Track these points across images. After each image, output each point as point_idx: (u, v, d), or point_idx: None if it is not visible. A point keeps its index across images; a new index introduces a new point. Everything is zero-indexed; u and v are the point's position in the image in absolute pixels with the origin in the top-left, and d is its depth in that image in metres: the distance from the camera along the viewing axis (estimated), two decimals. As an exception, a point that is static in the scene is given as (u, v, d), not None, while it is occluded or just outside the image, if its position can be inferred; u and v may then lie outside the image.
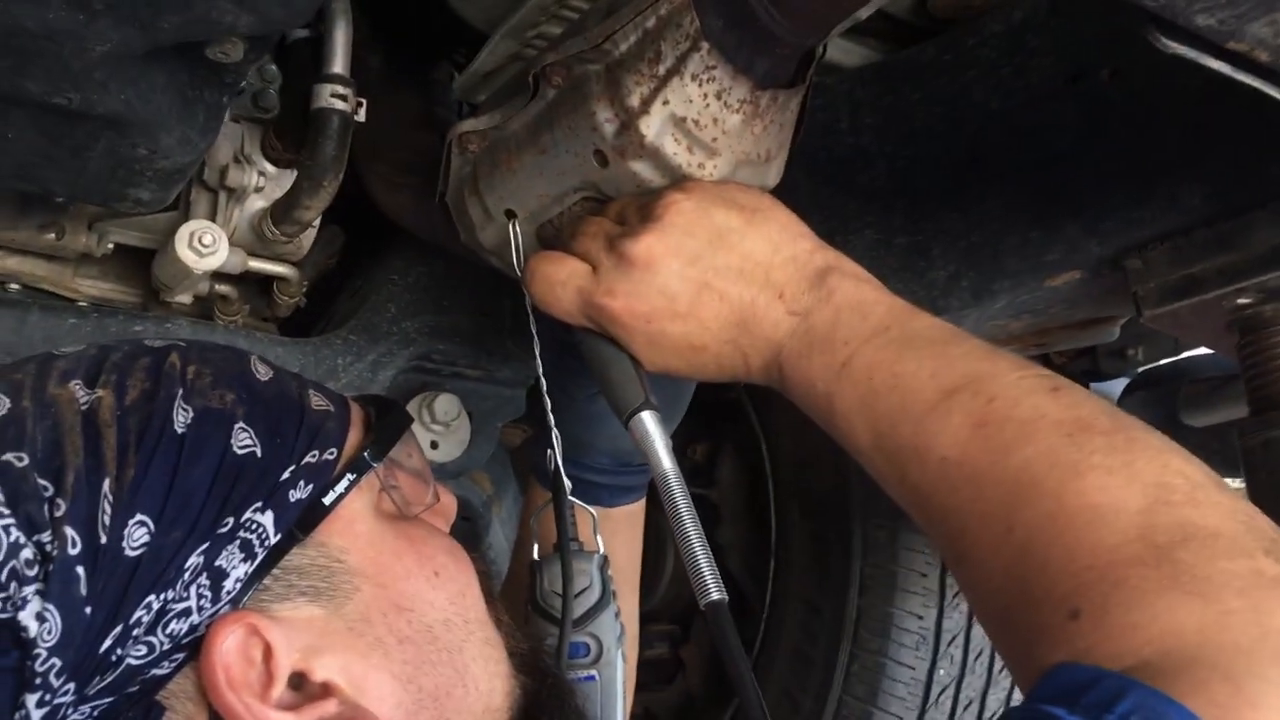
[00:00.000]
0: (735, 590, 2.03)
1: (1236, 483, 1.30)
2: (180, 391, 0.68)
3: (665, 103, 0.82)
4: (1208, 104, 0.95)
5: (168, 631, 0.63)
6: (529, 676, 0.79)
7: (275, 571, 0.67)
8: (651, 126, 0.83)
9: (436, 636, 0.72)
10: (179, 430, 0.66)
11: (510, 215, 0.96)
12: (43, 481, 0.62)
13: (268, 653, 0.64)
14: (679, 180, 0.86)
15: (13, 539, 0.60)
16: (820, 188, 1.23)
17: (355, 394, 0.84)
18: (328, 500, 0.70)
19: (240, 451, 0.67)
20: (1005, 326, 1.23)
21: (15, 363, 0.71)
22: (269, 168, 1.26)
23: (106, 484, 0.63)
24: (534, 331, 0.96)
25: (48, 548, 0.60)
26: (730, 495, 2.12)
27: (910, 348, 0.76)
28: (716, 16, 0.80)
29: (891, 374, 0.76)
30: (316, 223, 1.28)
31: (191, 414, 0.67)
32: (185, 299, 1.35)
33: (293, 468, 0.69)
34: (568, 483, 0.96)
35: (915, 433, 0.73)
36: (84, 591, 0.60)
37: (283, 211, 1.23)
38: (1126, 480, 0.65)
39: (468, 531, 1.71)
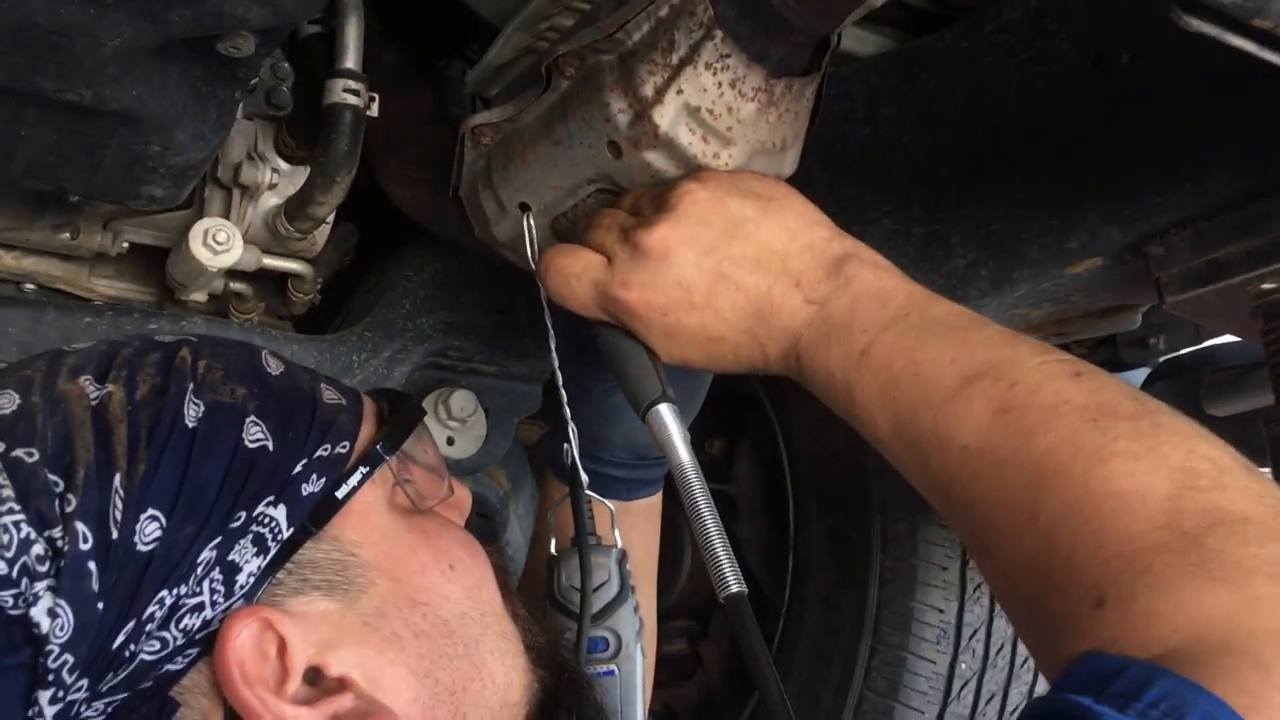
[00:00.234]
0: (754, 586, 2.02)
1: (1264, 472, 1.28)
2: (191, 386, 0.68)
3: (679, 92, 0.81)
4: (1231, 85, 0.93)
5: (181, 627, 0.62)
6: (547, 670, 0.78)
7: (289, 566, 0.66)
8: (665, 116, 0.82)
9: (452, 630, 0.71)
10: (190, 425, 0.66)
11: (524, 208, 0.96)
12: (53, 477, 0.61)
13: (282, 647, 0.64)
14: (694, 170, 0.85)
15: (23, 535, 0.59)
16: (837, 178, 1.22)
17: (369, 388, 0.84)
18: (340, 494, 0.69)
19: (252, 445, 0.67)
20: (1025, 315, 1.22)
21: (25, 359, 0.71)
22: (282, 164, 1.26)
23: (117, 479, 0.62)
24: (549, 325, 0.95)
25: (59, 543, 0.60)
26: (748, 490, 2.11)
27: (930, 334, 0.75)
28: (730, 4, 0.79)
29: (911, 361, 0.75)
30: (330, 219, 1.28)
31: (203, 408, 0.67)
32: (200, 297, 1.35)
33: (305, 461, 0.69)
34: (585, 477, 0.95)
35: (936, 421, 0.72)
36: (96, 587, 0.60)
37: (297, 208, 1.23)
38: (1152, 466, 0.63)
39: (484, 528, 1.70)
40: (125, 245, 1.30)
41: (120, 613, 0.60)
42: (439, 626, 0.71)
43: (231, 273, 1.30)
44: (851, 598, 1.84)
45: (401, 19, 1.30)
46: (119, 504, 0.61)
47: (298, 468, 0.68)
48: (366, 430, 0.75)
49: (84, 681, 0.60)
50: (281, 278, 1.37)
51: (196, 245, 1.19)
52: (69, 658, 0.59)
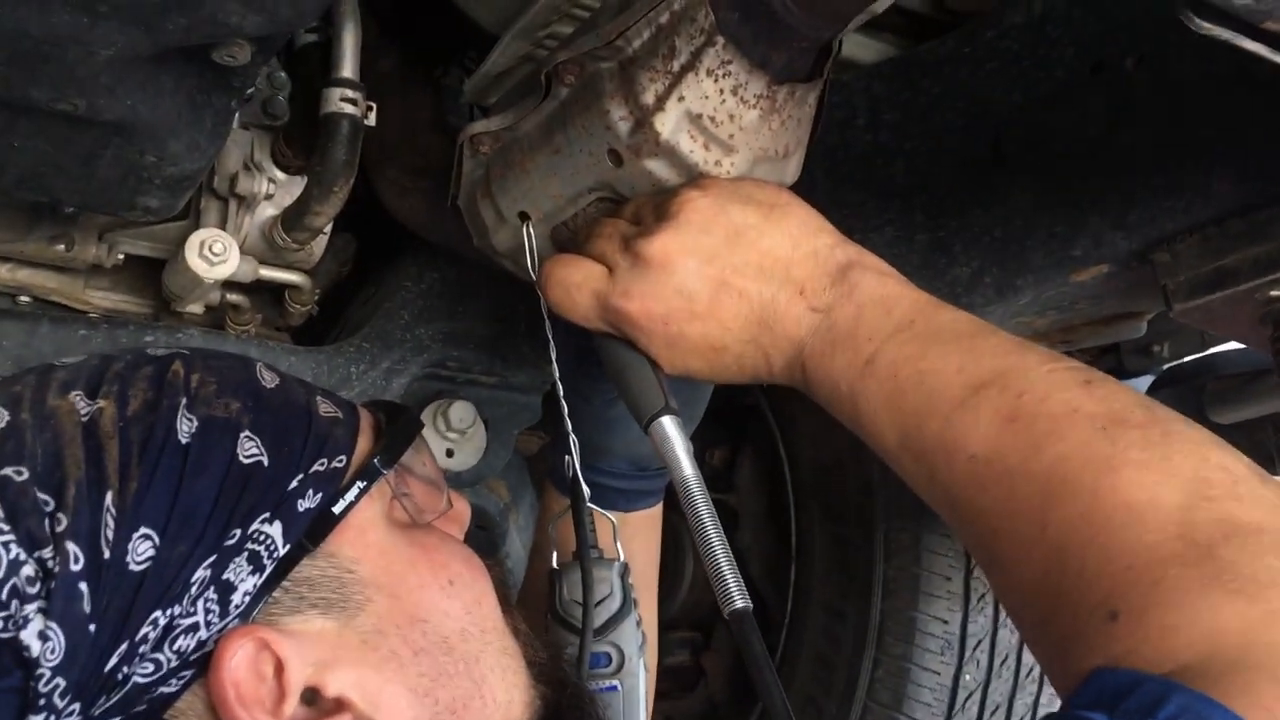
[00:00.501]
0: (756, 596, 2.00)
1: (1277, 480, 1.27)
2: (184, 400, 0.67)
3: (680, 99, 0.80)
4: (1237, 89, 0.92)
5: (175, 648, 0.61)
6: (548, 686, 0.77)
7: (285, 584, 0.65)
8: (667, 124, 0.81)
9: (452, 647, 0.70)
10: (183, 440, 0.65)
11: (524, 217, 0.95)
12: (43, 496, 0.60)
13: (279, 668, 0.63)
14: (695, 178, 0.84)
15: (13, 556, 0.58)
16: (839, 185, 1.21)
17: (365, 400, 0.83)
18: (337, 509, 0.68)
19: (246, 461, 0.66)
20: (1030, 323, 1.21)
21: (15, 375, 0.69)
22: (279, 174, 1.25)
23: (109, 497, 0.61)
24: (550, 336, 0.94)
25: (49, 564, 0.59)
26: (750, 500, 2.10)
27: (936, 342, 0.74)
28: (731, 10, 0.78)
29: (917, 370, 0.73)
30: (328, 229, 1.27)
31: (196, 423, 0.66)
32: (197, 309, 1.34)
33: (301, 476, 0.68)
34: (586, 489, 0.94)
35: (943, 430, 0.71)
36: (88, 609, 0.59)
37: (294, 218, 1.22)
38: (1164, 475, 0.62)
39: (484, 540, 1.69)
40: (121, 257, 1.28)
41: (113, 634, 0.59)
42: (439, 644, 0.69)
43: (228, 284, 1.29)
44: (854, 608, 1.83)
45: (399, 26, 1.29)
46: (111, 523, 0.60)
47: (293, 483, 0.67)
48: (363, 444, 0.74)
49: (76, 705, 0.58)
50: (279, 289, 1.36)
51: (192, 257, 1.17)
52: (60, 681, 0.58)
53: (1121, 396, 0.68)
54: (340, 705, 0.64)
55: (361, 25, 1.15)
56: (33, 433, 0.63)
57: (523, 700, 0.74)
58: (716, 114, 0.81)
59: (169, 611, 0.61)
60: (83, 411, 0.64)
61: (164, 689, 0.61)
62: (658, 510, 1.11)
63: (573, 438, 0.93)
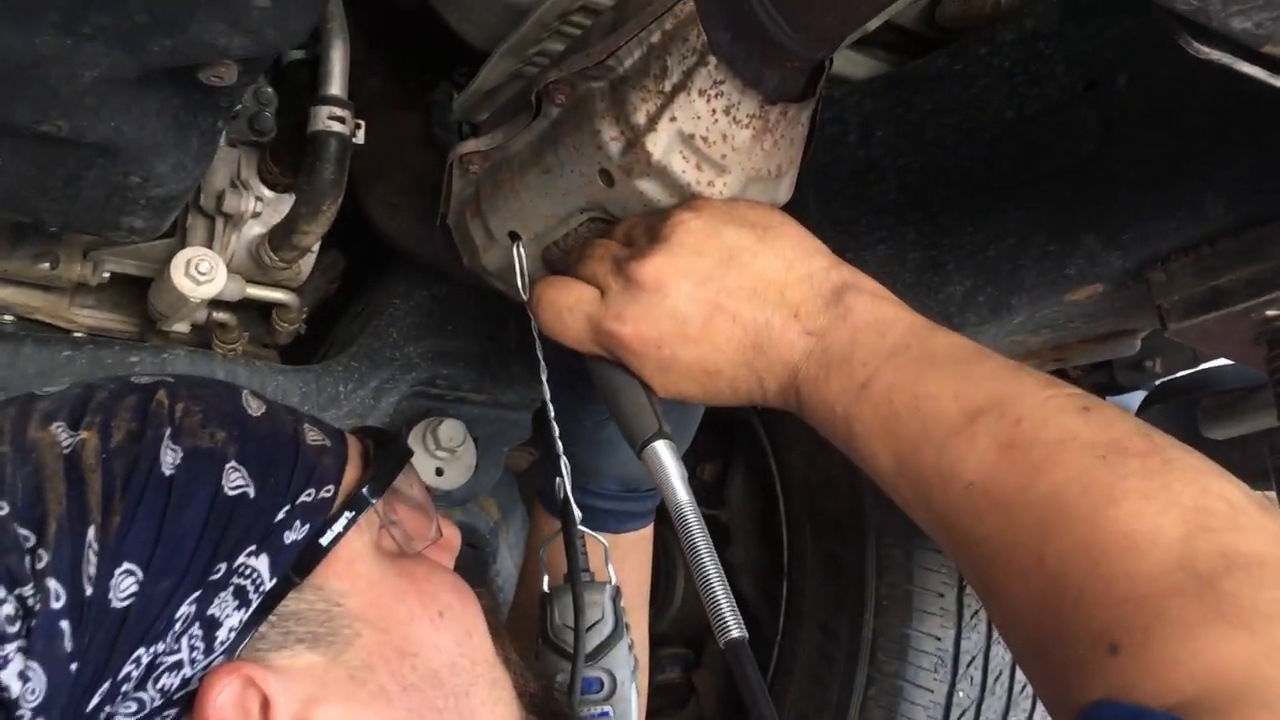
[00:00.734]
0: (748, 613, 1.99)
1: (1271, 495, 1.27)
2: (168, 431, 0.65)
3: (672, 119, 0.79)
4: (1230, 109, 0.92)
5: (159, 686, 0.60)
6: (539, 717, 0.76)
7: (271, 618, 0.64)
8: (659, 144, 0.80)
9: (443, 682, 0.69)
10: (167, 472, 0.63)
11: (514, 237, 0.94)
12: (23, 531, 0.59)
13: (265, 705, 0.61)
14: (688, 199, 0.83)
15: None
16: (830, 202, 1.20)
17: (353, 426, 0.82)
18: (325, 541, 0.67)
19: (232, 493, 0.64)
20: (1024, 342, 1.20)
21: None
22: (266, 192, 1.24)
23: (91, 532, 0.60)
24: (540, 357, 0.93)
25: (30, 602, 0.57)
26: (741, 515, 2.09)
27: (932, 367, 0.73)
28: (723, 30, 0.78)
29: (912, 395, 0.72)
30: (316, 247, 1.26)
31: (180, 454, 0.64)
32: (183, 328, 1.33)
33: (288, 508, 0.66)
34: (578, 512, 0.93)
35: (939, 457, 0.70)
36: (69, 647, 0.57)
37: (281, 237, 1.21)
38: (1164, 505, 0.61)
39: (474, 559, 1.68)
40: (106, 275, 1.27)
41: (95, 673, 0.58)
42: (428, 678, 0.68)
43: (215, 303, 1.28)
44: (847, 625, 1.82)
45: (387, 42, 1.28)
46: (93, 558, 0.59)
47: (280, 514, 0.66)
48: (352, 472, 0.72)
49: (57, 747, 0.57)
50: (266, 307, 1.35)
51: (179, 275, 1.16)
52: None
53: (1120, 424, 0.67)
54: (328, 742, 0.63)
55: (350, 42, 1.14)
56: (13, 466, 0.62)
57: None
58: (709, 134, 0.80)
59: (152, 649, 0.60)
60: (65, 443, 0.63)
61: (148, 728, 0.60)
62: (648, 531, 1.10)
63: (564, 460, 0.92)
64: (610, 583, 0.94)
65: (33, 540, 0.59)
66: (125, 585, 0.59)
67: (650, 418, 0.82)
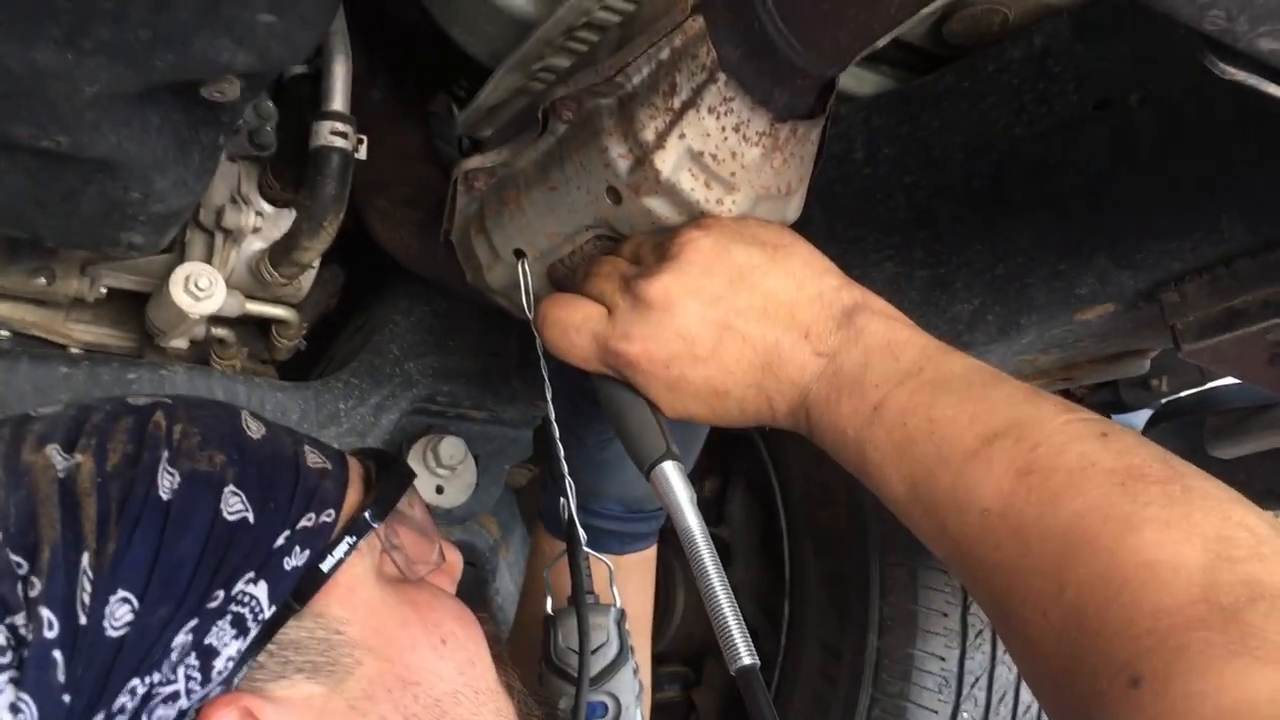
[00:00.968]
0: (750, 632, 1.98)
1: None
2: (166, 454, 0.64)
3: (681, 136, 0.78)
4: (1246, 128, 0.90)
5: (155, 718, 0.58)
6: (543, 745, 0.74)
7: (270, 647, 0.62)
8: (667, 162, 0.79)
9: (445, 711, 0.67)
10: (164, 497, 0.62)
11: (519, 255, 0.93)
12: (16, 558, 0.57)
13: (264, 737, 0.59)
14: (696, 217, 0.82)
15: None
16: (836, 220, 1.19)
17: (353, 445, 0.80)
18: (326, 567, 0.65)
19: (231, 518, 0.63)
20: (1033, 361, 1.19)
21: None
22: (267, 208, 1.23)
23: (85, 559, 0.58)
24: (545, 377, 0.91)
25: (22, 631, 0.56)
26: (742, 533, 2.08)
27: (946, 391, 0.72)
28: (733, 47, 0.76)
29: (927, 419, 0.71)
30: (316, 263, 1.24)
31: (178, 479, 0.63)
32: (181, 344, 1.31)
33: (288, 533, 0.65)
34: (582, 533, 0.91)
35: (954, 483, 0.69)
36: (62, 678, 0.56)
37: (281, 253, 1.19)
38: (1185, 534, 0.60)
39: (475, 578, 1.66)
40: (103, 290, 1.26)
41: (88, 705, 0.56)
42: (431, 708, 0.67)
43: (213, 319, 1.27)
44: (850, 644, 1.80)
45: (389, 58, 1.27)
46: (87, 586, 0.57)
47: (280, 540, 0.64)
48: (353, 496, 0.71)
49: (49, 781, 0.55)
50: (265, 323, 1.33)
51: (177, 291, 1.15)
52: None
53: (1139, 450, 0.65)
54: (327, 776, 0.61)
55: (352, 57, 1.13)
56: (6, 491, 0.60)
57: None
58: (718, 152, 0.79)
59: (148, 679, 0.58)
60: (59, 467, 0.62)
61: (143, 762, 0.58)
62: (651, 552, 1.09)
63: (569, 481, 0.91)
64: (615, 605, 0.93)
65: (25, 567, 0.57)
66: (120, 613, 0.58)
67: (658, 438, 0.81)
